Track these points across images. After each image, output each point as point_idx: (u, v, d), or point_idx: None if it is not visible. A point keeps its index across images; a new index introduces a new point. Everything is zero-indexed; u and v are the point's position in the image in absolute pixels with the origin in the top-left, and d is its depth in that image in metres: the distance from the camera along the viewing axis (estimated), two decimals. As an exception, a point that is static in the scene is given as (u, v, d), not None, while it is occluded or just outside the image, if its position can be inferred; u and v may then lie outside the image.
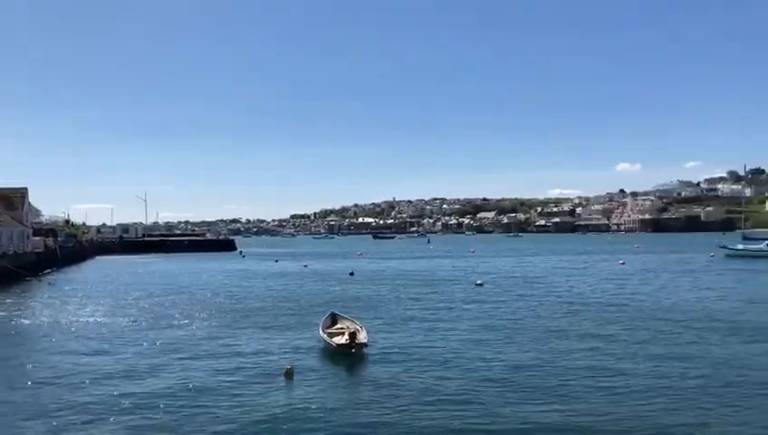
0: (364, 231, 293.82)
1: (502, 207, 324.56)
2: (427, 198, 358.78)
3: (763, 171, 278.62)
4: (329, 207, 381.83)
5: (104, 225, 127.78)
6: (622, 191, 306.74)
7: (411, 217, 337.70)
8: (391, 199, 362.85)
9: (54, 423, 11.71)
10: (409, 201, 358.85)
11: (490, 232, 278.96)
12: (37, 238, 61.63)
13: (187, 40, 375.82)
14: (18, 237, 53.80)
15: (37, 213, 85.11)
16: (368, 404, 12.74)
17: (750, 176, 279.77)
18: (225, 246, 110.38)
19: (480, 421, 11.55)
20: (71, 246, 73.45)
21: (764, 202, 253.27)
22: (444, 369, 15.54)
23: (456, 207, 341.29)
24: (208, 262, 70.31)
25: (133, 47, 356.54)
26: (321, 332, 19.15)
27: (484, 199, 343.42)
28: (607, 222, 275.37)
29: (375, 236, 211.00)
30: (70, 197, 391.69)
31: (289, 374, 14.87)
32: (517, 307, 27.37)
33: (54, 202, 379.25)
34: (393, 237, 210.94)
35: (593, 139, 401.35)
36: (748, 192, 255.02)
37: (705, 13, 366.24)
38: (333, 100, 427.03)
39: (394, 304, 28.97)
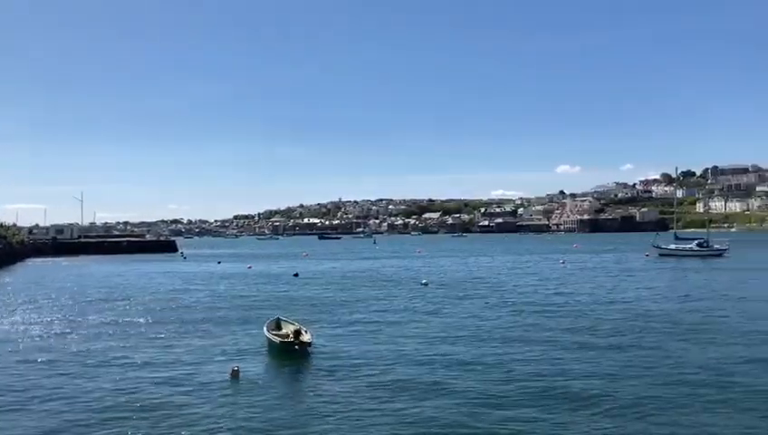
0: (309, 232, 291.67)
1: (447, 207, 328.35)
2: (373, 199, 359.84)
3: (693, 174, 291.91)
4: (273, 207, 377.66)
5: (37, 226, 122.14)
6: (562, 192, 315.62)
7: (357, 217, 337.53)
8: (337, 200, 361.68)
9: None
10: (355, 202, 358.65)
11: (435, 232, 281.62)
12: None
13: (122, 34, 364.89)
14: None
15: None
16: (312, 404, 12.68)
17: (682, 178, 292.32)
18: (166, 247, 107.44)
19: (422, 421, 11.57)
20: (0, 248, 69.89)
21: (695, 203, 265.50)
22: (389, 369, 15.53)
23: (402, 207, 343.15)
24: (148, 264, 68.27)
25: (60, 39, 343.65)
26: (265, 331, 18.98)
27: (430, 200, 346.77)
28: (547, 222, 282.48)
29: (321, 237, 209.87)
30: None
31: (234, 375, 14.66)
32: (462, 307, 27.67)
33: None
34: (339, 238, 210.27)
35: (535, 141, 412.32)
36: (680, 194, 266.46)
37: (643, 18, 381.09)
38: (278, 99, 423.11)
39: (340, 305, 28.80)
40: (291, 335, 17.64)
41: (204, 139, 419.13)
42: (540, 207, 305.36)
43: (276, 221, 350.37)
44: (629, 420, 11.45)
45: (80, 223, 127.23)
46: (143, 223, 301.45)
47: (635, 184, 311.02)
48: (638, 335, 19.73)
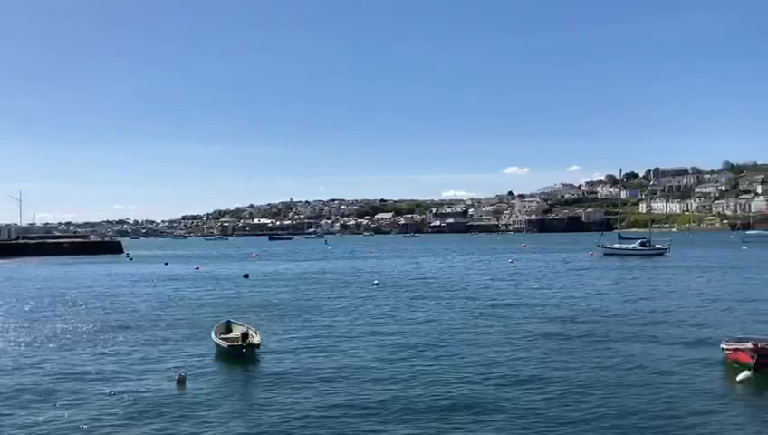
0: (260, 232, 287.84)
1: (399, 208, 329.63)
2: (325, 199, 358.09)
3: (636, 175, 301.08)
4: (223, 207, 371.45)
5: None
6: (511, 193, 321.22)
7: (309, 217, 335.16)
8: (288, 200, 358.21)
9: None
10: (307, 202, 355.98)
11: (387, 233, 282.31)
12: None
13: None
14: None
15: None
16: (261, 409, 12.44)
17: (625, 180, 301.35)
18: (111, 248, 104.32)
19: (372, 422, 11.50)
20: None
21: (638, 204, 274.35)
22: (339, 370, 15.40)
23: (355, 208, 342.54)
24: (92, 265, 66.05)
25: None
26: (213, 335, 18.53)
27: (382, 201, 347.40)
28: (497, 222, 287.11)
29: (271, 238, 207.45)
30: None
31: (181, 382, 14.25)
32: (414, 307, 27.74)
33: None
34: (290, 238, 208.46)
35: (485, 143, 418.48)
36: (624, 195, 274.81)
37: (590, 21, 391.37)
38: (228, 96, 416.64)
39: (291, 307, 28.45)
40: (239, 339, 17.22)
41: (151, 137, 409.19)
42: (489, 208, 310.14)
43: (226, 221, 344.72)
44: (572, 409, 11.67)
45: (18, 223, 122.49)
46: (87, 223, 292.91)
47: (581, 185, 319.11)
48: (585, 333, 20.13)
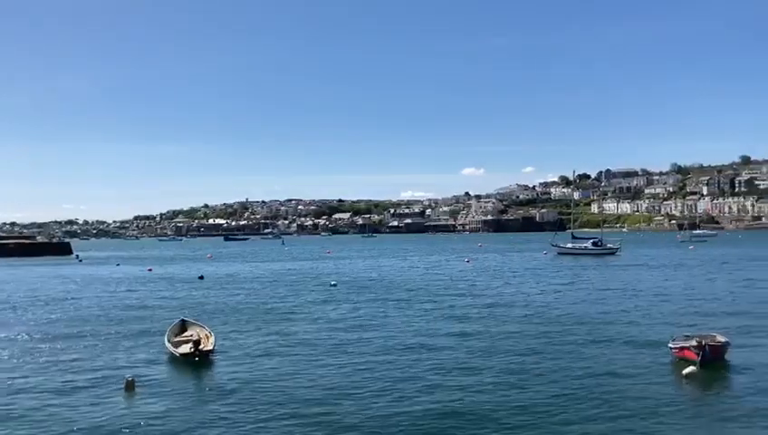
0: (215, 233, 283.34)
1: (357, 208, 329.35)
2: (282, 200, 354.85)
3: (588, 177, 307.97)
4: (177, 207, 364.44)
5: None
6: (467, 194, 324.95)
7: (266, 218, 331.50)
8: (244, 200, 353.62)
9: None
10: (263, 202, 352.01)
11: (345, 233, 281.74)
12: None
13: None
14: None
15: None
16: (213, 415, 12.14)
17: (578, 180, 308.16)
18: (60, 249, 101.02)
19: (326, 427, 11.38)
20: None
21: (590, 204, 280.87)
22: (295, 374, 15.18)
23: (312, 208, 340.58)
24: (39, 267, 63.80)
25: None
26: (166, 340, 18.06)
27: (340, 201, 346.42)
28: (454, 223, 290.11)
29: (227, 238, 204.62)
30: None
31: (130, 386, 13.83)
32: (371, 308, 27.66)
33: None
34: (246, 239, 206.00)
35: (442, 144, 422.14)
36: (576, 195, 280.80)
37: (545, 24, 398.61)
38: (181, 93, 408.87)
39: (246, 309, 28.02)
40: (191, 345, 16.75)
41: (101, 135, 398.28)
42: (447, 208, 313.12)
43: (180, 222, 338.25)
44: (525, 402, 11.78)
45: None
46: (34, 224, 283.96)
47: (535, 186, 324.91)
48: (542, 334, 20.34)
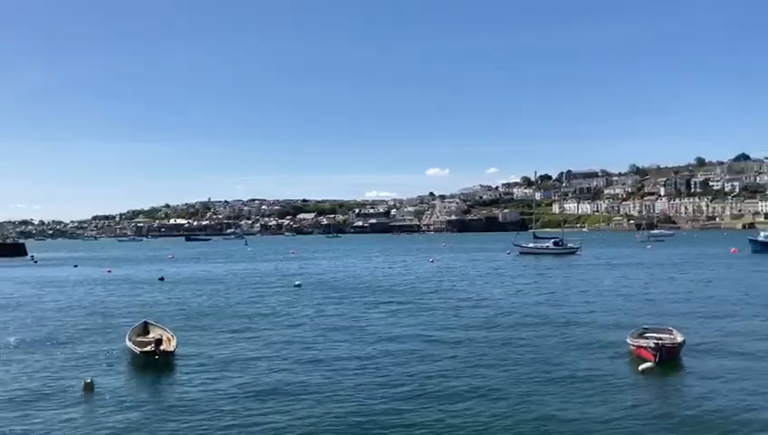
0: (177, 233, 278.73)
1: (321, 208, 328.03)
2: (245, 199, 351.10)
3: (550, 177, 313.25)
4: (137, 207, 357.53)
5: None
6: (432, 194, 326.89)
7: (228, 218, 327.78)
8: (206, 200, 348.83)
9: None
10: (226, 202, 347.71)
11: (309, 233, 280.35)
12: None
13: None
14: None
15: None
16: (173, 417, 11.97)
17: (540, 181, 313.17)
18: (13, 250, 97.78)
19: (290, 429, 11.33)
20: None
21: (551, 205, 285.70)
22: (258, 375, 15.04)
23: (276, 208, 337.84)
24: (-9, 269, 61.81)
25: None
26: (127, 340, 17.77)
27: (304, 201, 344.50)
28: (419, 223, 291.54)
29: (188, 239, 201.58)
30: None
31: (88, 388, 13.55)
32: (336, 307, 27.60)
33: None
34: (209, 239, 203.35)
35: (407, 144, 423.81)
36: (538, 196, 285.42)
37: (511, 28, 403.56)
38: (139, 91, 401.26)
39: (208, 310, 27.63)
40: (152, 345, 16.46)
41: (57, 133, 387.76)
42: (411, 208, 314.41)
43: (140, 222, 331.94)
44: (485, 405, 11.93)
45: None
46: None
47: (498, 187, 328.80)
48: (505, 334, 20.59)
